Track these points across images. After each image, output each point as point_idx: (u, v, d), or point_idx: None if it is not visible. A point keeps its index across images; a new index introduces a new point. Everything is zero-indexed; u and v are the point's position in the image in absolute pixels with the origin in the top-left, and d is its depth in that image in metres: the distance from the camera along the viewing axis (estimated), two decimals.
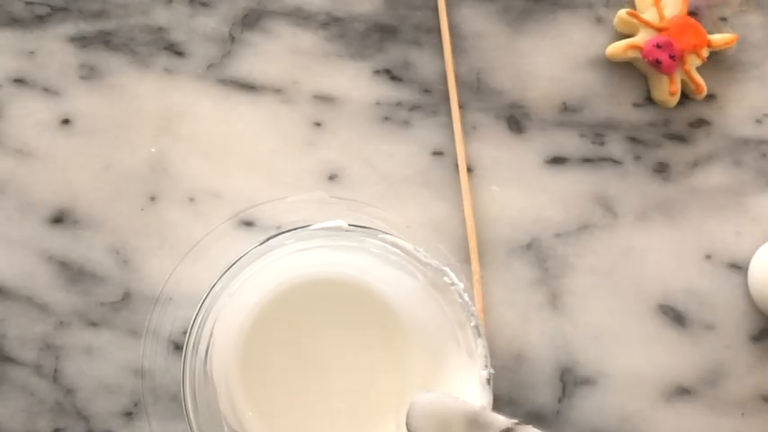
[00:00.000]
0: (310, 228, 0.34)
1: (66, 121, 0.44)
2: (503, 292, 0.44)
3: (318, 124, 0.44)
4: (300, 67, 0.45)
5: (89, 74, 0.44)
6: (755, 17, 0.47)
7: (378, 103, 0.45)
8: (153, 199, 0.43)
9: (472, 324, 0.34)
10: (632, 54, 0.45)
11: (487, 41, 0.46)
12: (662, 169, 0.45)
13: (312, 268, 0.39)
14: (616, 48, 0.45)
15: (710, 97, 0.46)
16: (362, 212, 0.41)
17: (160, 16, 0.45)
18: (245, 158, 0.44)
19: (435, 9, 0.46)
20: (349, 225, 0.34)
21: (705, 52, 0.45)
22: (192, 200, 0.43)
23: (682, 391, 0.43)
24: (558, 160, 0.45)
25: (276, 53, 0.45)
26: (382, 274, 0.38)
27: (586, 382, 0.43)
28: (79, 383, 0.42)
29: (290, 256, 0.36)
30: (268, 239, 0.35)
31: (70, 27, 0.45)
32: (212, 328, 0.36)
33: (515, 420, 0.31)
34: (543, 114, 0.45)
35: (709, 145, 0.46)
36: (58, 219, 0.43)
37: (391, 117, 0.45)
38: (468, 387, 0.34)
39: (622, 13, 0.45)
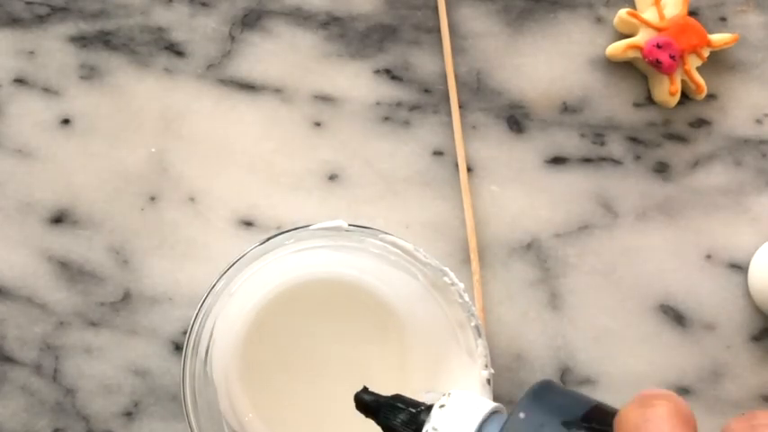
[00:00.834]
0: (311, 228, 0.34)
1: (66, 121, 0.44)
2: (503, 293, 0.44)
3: (318, 124, 0.44)
4: (300, 67, 0.45)
5: (89, 74, 0.44)
6: (755, 17, 0.47)
7: (378, 103, 0.45)
8: (153, 199, 0.43)
9: (472, 324, 0.34)
10: (632, 54, 0.45)
11: (487, 41, 0.46)
12: (662, 169, 0.45)
13: (312, 268, 0.39)
14: (616, 48, 0.45)
15: (711, 97, 0.46)
16: (363, 214, 0.41)
17: (160, 16, 0.45)
18: (245, 158, 0.44)
19: (435, 9, 0.46)
20: (349, 225, 0.34)
21: (705, 52, 0.45)
22: (192, 200, 0.43)
23: (682, 391, 0.43)
24: (558, 160, 0.45)
25: (276, 53, 0.45)
26: (382, 274, 0.38)
27: (586, 382, 0.43)
28: (79, 383, 0.42)
29: (290, 256, 0.36)
30: (268, 239, 0.34)
31: (70, 27, 0.45)
32: (212, 328, 0.36)
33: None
34: (543, 114, 0.45)
35: (709, 145, 0.46)
36: (58, 219, 0.43)
37: (391, 117, 0.45)
38: (468, 387, 0.34)
39: (622, 12, 0.45)
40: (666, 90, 0.45)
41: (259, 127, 0.44)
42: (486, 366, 0.34)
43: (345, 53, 0.45)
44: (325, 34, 0.45)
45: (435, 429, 0.27)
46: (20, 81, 0.44)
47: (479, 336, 0.34)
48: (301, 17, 0.45)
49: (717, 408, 0.43)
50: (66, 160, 0.44)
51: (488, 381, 0.34)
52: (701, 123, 0.46)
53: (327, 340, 0.39)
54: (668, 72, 0.44)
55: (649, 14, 0.45)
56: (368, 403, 0.30)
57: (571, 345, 0.43)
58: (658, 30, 0.45)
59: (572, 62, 0.46)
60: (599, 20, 0.46)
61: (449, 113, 0.45)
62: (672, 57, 0.44)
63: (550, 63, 0.46)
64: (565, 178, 0.45)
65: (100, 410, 0.42)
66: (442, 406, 0.27)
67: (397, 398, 0.29)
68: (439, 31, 0.45)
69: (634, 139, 0.45)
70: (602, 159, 0.45)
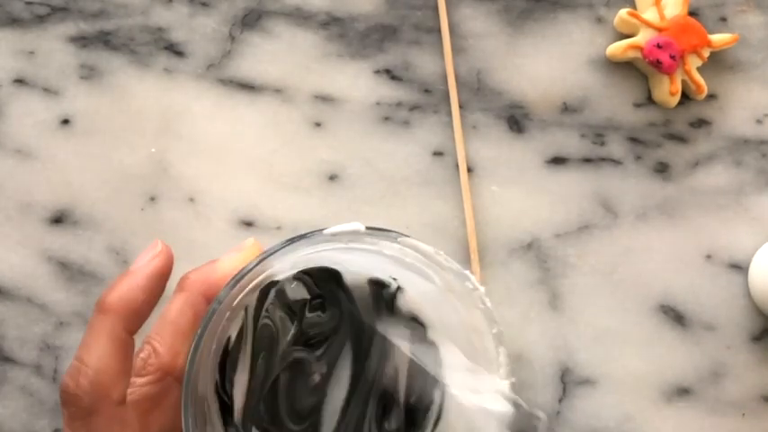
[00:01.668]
0: (326, 232, 0.33)
1: (66, 121, 0.44)
2: (503, 293, 0.44)
3: (318, 124, 0.44)
4: (300, 67, 0.45)
5: (89, 74, 0.44)
6: (756, 17, 0.47)
7: (378, 103, 0.45)
8: (153, 199, 0.43)
9: (494, 331, 0.33)
10: (633, 54, 0.45)
11: (488, 41, 0.46)
12: (662, 169, 0.45)
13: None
14: (616, 48, 0.45)
15: (711, 97, 0.46)
16: (363, 214, 0.41)
17: (160, 16, 0.45)
18: (244, 158, 0.44)
19: (435, 9, 0.46)
20: (367, 228, 0.32)
21: (706, 52, 0.45)
22: (191, 200, 0.43)
23: (682, 392, 0.43)
24: (558, 160, 0.45)
25: (276, 53, 0.45)
26: (396, 277, 0.37)
27: (587, 382, 0.43)
28: None
29: (300, 258, 0.36)
30: (283, 246, 0.32)
31: (70, 27, 0.45)
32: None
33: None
34: (543, 114, 0.45)
35: (709, 145, 0.46)
36: (58, 219, 0.43)
37: (391, 117, 0.45)
38: (485, 396, 0.33)
39: (623, 13, 0.45)
40: (667, 90, 0.45)
41: (259, 127, 0.44)
42: (508, 375, 0.33)
43: (345, 53, 0.45)
44: (325, 34, 0.45)
45: None
46: (20, 81, 0.44)
47: (501, 344, 0.33)
48: (301, 17, 0.45)
49: (717, 408, 0.43)
50: (66, 160, 0.44)
51: (510, 390, 0.32)
52: (701, 123, 0.46)
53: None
54: (668, 72, 0.44)
55: (650, 14, 0.45)
56: None
57: (571, 345, 0.43)
58: (659, 30, 0.45)
59: (572, 62, 0.46)
60: (599, 20, 0.46)
61: (449, 113, 0.45)
62: (672, 57, 0.44)
63: (551, 63, 0.46)
64: (565, 178, 0.45)
65: None
66: None
67: None
68: (439, 31, 0.45)
69: (634, 140, 0.45)
70: (603, 159, 0.45)
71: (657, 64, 0.44)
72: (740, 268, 0.45)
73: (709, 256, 0.45)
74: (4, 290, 0.43)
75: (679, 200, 0.45)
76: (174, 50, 0.45)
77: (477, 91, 0.45)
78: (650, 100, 0.46)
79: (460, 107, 0.45)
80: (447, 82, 0.45)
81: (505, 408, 0.31)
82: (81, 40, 0.45)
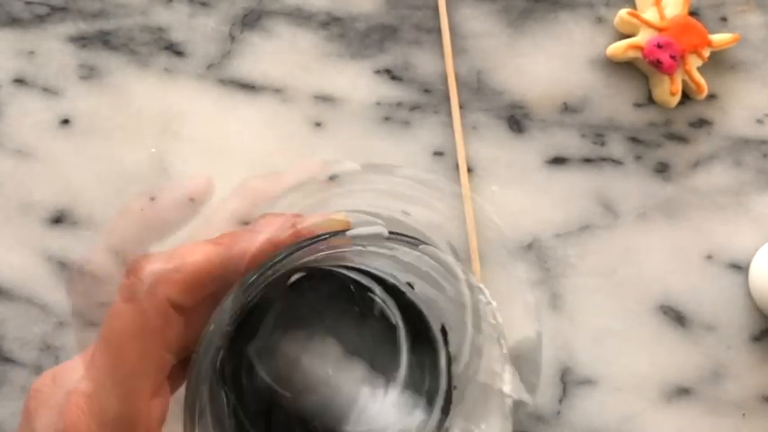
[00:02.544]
0: (348, 233, 0.31)
1: (65, 121, 0.44)
2: (503, 293, 0.44)
3: (318, 124, 0.44)
4: (300, 67, 0.45)
5: (89, 74, 0.44)
6: (756, 17, 0.47)
7: (378, 103, 0.45)
8: (153, 199, 0.43)
9: (503, 350, 0.32)
10: (633, 54, 0.45)
11: (488, 41, 0.46)
12: (663, 169, 0.45)
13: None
14: (617, 48, 0.45)
15: (711, 97, 0.46)
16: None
17: (160, 16, 0.45)
18: (245, 158, 0.44)
19: (436, 9, 0.46)
20: (390, 233, 0.31)
21: (706, 52, 0.45)
22: (192, 200, 0.43)
23: (682, 392, 0.43)
24: (558, 160, 0.45)
25: (276, 53, 0.45)
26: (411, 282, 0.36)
27: (587, 382, 0.43)
28: None
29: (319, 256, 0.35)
30: (300, 248, 0.31)
31: (70, 27, 0.45)
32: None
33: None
34: (544, 114, 0.45)
35: (709, 145, 0.45)
36: (58, 219, 0.43)
37: (391, 117, 0.45)
38: (483, 413, 0.33)
39: (623, 12, 0.45)
40: (667, 90, 0.45)
41: (259, 127, 0.44)
42: (513, 390, 0.32)
43: (346, 53, 0.45)
44: (325, 34, 0.45)
45: None
46: (20, 81, 0.44)
47: (506, 362, 0.32)
48: (301, 17, 0.45)
49: (717, 408, 0.43)
50: (66, 160, 0.44)
51: (511, 409, 0.32)
52: (701, 123, 0.46)
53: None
54: (669, 72, 0.44)
55: (650, 14, 0.45)
56: None
57: (571, 345, 0.43)
58: (659, 30, 0.45)
59: (572, 62, 0.46)
60: (599, 20, 0.46)
61: (449, 114, 0.45)
62: (672, 57, 0.44)
63: (551, 63, 0.46)
64: (565, 178, 0.45)
65: None
66: None
67: None
68: (439, 30, 0.45)
69: (634, 140, 0.45)
70: (603, 159, 0.45)
71: (658, 64, 0.44)
72: (740, 268, 0.45)
73: (709, 257, 0.45)
74: (4, 290, 0.43)
75: (679, 200, 0.45)
76: (174, 50, 0.45)
77: (478, 91, 0.45)
78: (650, 100, 0.46)
79: (461, 107, 0.45)
80: (447, 82, 0.45)
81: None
82: (81, 40, 0.45)
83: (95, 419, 0.28)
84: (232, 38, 0.45)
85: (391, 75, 0.45)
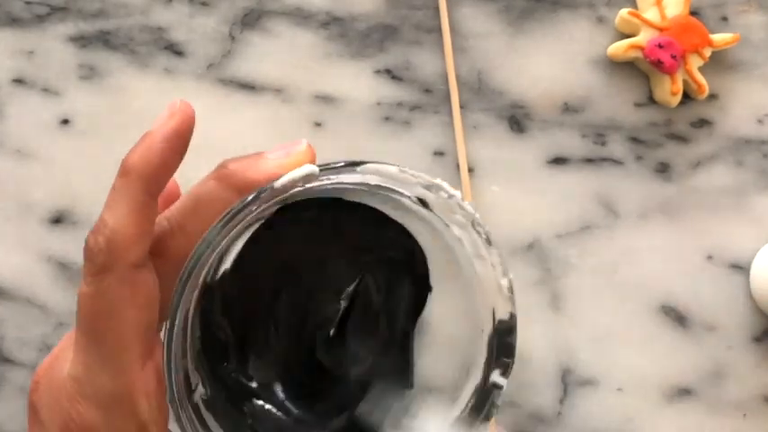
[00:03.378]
0: (277, 184, 0.29)
1: (65, 121, 0.44)
2: None
3: (319, 124, 0.44)
4: (300, 67, 0.45)
5: (89, 74, 0.44)
6: (757, 17, 0.47)
7: (378, 103, 0.45)
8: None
9: (483, 236, 0.31)
10: (634, 54, 0.45)
11: (488, 41, 0.46)
12: (663, 169, 0.45)
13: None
14: (617, 48, 0.45)
15: (712, 97, 0.46)
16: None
17: (160, 16, 0.45)
18: None
19: (436, 9, 0.45)
20: (320, 168, 0.30)
21: (707, 52, 0.45)
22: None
23: (683, 392, 0.43)
24: (559, 160, 0.45)
25: (276, 53, 0.45)
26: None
27: (588, 382, 0.43)
28: None
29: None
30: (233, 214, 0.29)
31: (70, 27, 0.45)
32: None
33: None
34: (544, 114, 0.45)
35: (710, 145, 0.45)
36: (58, 219, 0.43)
37: (392, 117, 0.45)
38: (485, 297, 0.32)
39: (624, 12, 0.45)
40: (668, 90, 0.44)
41: (259, 127, 0.44)
42: (505, 274, 0.31)
43: (346, 53, 0.45)
44: (325, 34, 0.45)
45: None
46: (19, 81, 0.44)
47: (489, 244, 0.31)
48: (301, 17, 0.45)
49: (718, 408, 0.43)
50: (66, 160, 0.44)
51: (509, 289, 0.30)
52: (702, 123, 0.46)
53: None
54: (670, 72, 0.44)
55: (651, 14, 0.45)
56: None
57: (572, 345, 0.43)
58: (660, 30, 0.45)
59: (573, 62, 0.46)
60: (600, 20, 0.46)
61: (450, 113, 0.45)
62: (673, 57, 0.44)
63: (551, 63, 0.46)
64: (566, 178, 0.45)
65: None
66: None
67: None
68: (440, 30, 0.45)
69: (635, 140, 0.45)
70: (604, 159, 0.45)
71: (659, 64, 0.44)
72: (741, 269, 0.44)
73: (710, 257, 0.45)
74: (4, 290, 0.43)
75: (680, 200, 0.45)
76: (174, 50, 0.45)
77: (478, 91, 0.45)
78: (651, 100, 0.46)
79: (461, 107, 0.45)
80: (448, 82, 0.45)
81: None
82: (81, 40, 0.45)
83: (92, 402, 0.28)
84: (232, 38, 0.45)
85: (391, 75, 0.45)
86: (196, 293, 0.29)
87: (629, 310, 0.44)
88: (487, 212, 0.44)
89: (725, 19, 0.46)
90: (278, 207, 0.31)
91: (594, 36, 0.46)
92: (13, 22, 0.45)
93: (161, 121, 0.30)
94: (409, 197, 0.30)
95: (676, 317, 0.44)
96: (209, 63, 0.45)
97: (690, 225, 0.45)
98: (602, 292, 0.44)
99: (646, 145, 0.45)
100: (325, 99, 0.45)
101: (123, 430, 0.28)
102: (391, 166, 0.30)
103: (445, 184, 0.30)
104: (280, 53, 0.45)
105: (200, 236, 0.27)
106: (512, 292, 0.30)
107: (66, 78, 0.44)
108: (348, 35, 0.45)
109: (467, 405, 0.30)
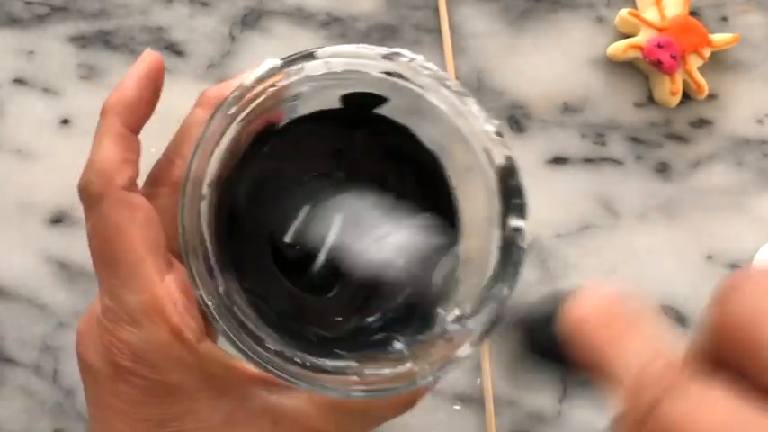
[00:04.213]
0: (246, 83, 0.31)
1: (65, 121, 0.44)
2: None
3: None
4: None
5: (89, 74, 0.44)
6: (757, 17, 0.47)
7: None
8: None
9: (453, 89, 0.31)
10: (633, 54, 0.45)
11: (488, 41, 0.46)
12: (663, 169, 0.45)
13: None
14: (617, 48, 0.45)
15: (712, 97, 0.46)
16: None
17: (160, 16, 0.45)
18: None
19: (436, 9, 0.45)
20: (282, 60, 0.31)
21: (706, 52, 0.45)
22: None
23: None
24: (558, 160, 0.45)
25: (276, 53, 0.45)
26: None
27: (588, 382, 0.43)
28: (79, 384, 0.42)
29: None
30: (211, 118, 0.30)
31: (70, 27, 0.45)
32: None
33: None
34: (544, 114, 0.45)
35: (710, 145, 0.45)
36: (58, 219, 0.43)
37: None
38: (473, 142, 0.31)
39: (623, 12, 0.45)
40: (667, 90, 0.44)
41: None
42: (488, 120, 0.31)
43: None
44: (325, 34, 0.45)
45: None
46: (19, 81, 0.44)
47: (466, 95, 0.31)
48: (301, 17, 0.45)
49: None
50: (65, 160, 0.44)
51: (498, 133, 0.30)
52: (702, 123, 0.46)
53: None
54: (669, 72, 0.44)
55: (650, 14, 0.45)
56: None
57: None
58: (659, 30, 0.45)
59: (573, 62, 0.46)
60: (600, 20, 0.46)
61: None
62: (673, 57, 0.44)
63: (551, 63, 0.46)
64: (566, 178, 0.45)
65: None
66: None
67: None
68: (440, 31, 0.45)
69: (635, 140, 0.45)
70: (603, 160, 0.45)
71: (658, 64, 0.44)
72: (741, 269, 0.44)
73: (710, 257, 0.45)
74: (4, 290, 0.43)
75: (680, 200, 0.45)
76: (174, 50, 0.45)
77: (478, 91, 0.45)
78: (651, 100, 0.46)
79: None
80: None
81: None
82: (81, 40, 0.45)
83: (125, 323, 0.30)
84: (232, 38, 0.45)
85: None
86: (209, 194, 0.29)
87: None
88: None
89: (725, 19, 0.46)
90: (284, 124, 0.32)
91: (594, 36, 0.46)
92: (13, 22, 0.45)
93: (133, 68, 0.33)
94: (377, 72, 0.31)
95: (676, 316, 0.44)
96: (209, 63, 0.45)
97: (690, 225, 0.45)
98: None
99: (645, 145, 0.45)
100: None
101: (158, 339, 0.29)
102: (348, 45, 0.30)
103: (404, 50, 0.30)
104: (280, 53, 0.45)
105: None
106: (501, 135, 0.30)
107: (67, 78, 0.44)
108: (348, 35, 0.45)
109: (497, 263, 0.30)
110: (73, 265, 0.43)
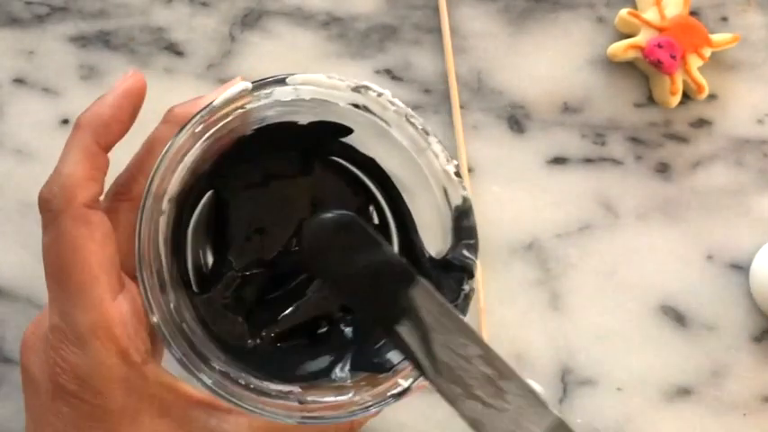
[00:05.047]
0: (215, 103, 0.31)
1: (65, 121, 0.44)
2: (504, 293, 0.44)
3: None
4: (300, 68, 0.45)
5: (89, 74, 0.44)
6: (757, 17, 0.47)
7: None
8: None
9: (418, 127, 0.31)
10: (633, 54, 0.45)
11: (488, 41, 0.46)
12: (663, 169, 0.45)
13: None
14: (617, 48, 0.45)
15: (712, 97, 0.46)
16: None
17: (160, 16, 0.45)
18: None
19: (436, 9, 0.46)
20: (253, 84, 0.31)
21: (706, 52, 0.45)
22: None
23: (683, 392, 0.43)
24: (558, 160, 0.45)
25: (276, 53, 0.45)
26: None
27: (587, 382, 0.43)
28: None
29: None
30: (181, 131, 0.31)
31: (70, 27, 0.45)
32: None
33: None
34: (544, 114, 0.45)
35: (710, 145, 0.45)
36: None
37: None
38: (432, 186, 0.32)
39: (623, 12, 0.45)
40: (667, 90, 0.44)
41: None
42: (449, 160, 0.31)
43: (346, 53, 0.45)
44: (325, 34, 0.45)
45: None
46: (19, 81, 0.44)
47: (427, 134, 0.31)
48: (301, 17, 0.45)
49: (718, 409, 0.43)
50: None
51: (457, 174, 0.31)
52: (702, 123, 0.46)
53: None
54: (669, 72, 0.44)
55: (650, 14, 0.45)
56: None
57: (572, 345, 0.43)
58: (659, 30, 0.45)
59: (573, 62, 0.46)
60: (600, 20, 0.46)
61: (449, 113, 0.45)
62: (673, 57, 0.44)
63: (551, 63, 0.46)
64: (566, 178, 0.45)
65: None
66: None
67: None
68: (439, 30, 0.45)
69: (635, 140, 0.45)
70: (603, 159, 0.45)
71: (658, 64, 0.44)
72: (741, 268, 0.45)
73: (710, 257, 0.45)
74: (4, 290, 0.43)
75: (680, 200, 0.45)
76: (174, 50, 0.45)
77: (478, 91, 0.45)
78: (651, 100, 0.46)
79: (461, 107, 0.45)
80: (447, 82, 0.45)
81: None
82: (81, 40, 0.45)
83: (72, 343, 0.29)
84: (232, 38, 0.45)
85: (391, 75, 0.45)
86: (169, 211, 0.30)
87: (628, 310, 0.44)
88: (487, 212, 0.44)
89: (725, 19, 0.47)
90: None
91: (594, 36, 0.46)
92: (13, 22, 0.45)
93: (113, 87, 0.32)
94: (343, 104, 0.31)
95: (676, 316, 0.44)
96: (209, 63, 0.45)
97: (689, 225, 0.45)
98: (602, 291, 0.44)
99: (645, 145, 0.45)
100: None
101: (105, 361, 0.29)
102: (317, 74, 0.31)
103: (373, 84, 0.31)
104: (280, 53, 0.45)
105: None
106: (459, 176, 0.31)
107: (67, 78, 0.44)
108: (348, 35, 0.45)
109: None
110: None
